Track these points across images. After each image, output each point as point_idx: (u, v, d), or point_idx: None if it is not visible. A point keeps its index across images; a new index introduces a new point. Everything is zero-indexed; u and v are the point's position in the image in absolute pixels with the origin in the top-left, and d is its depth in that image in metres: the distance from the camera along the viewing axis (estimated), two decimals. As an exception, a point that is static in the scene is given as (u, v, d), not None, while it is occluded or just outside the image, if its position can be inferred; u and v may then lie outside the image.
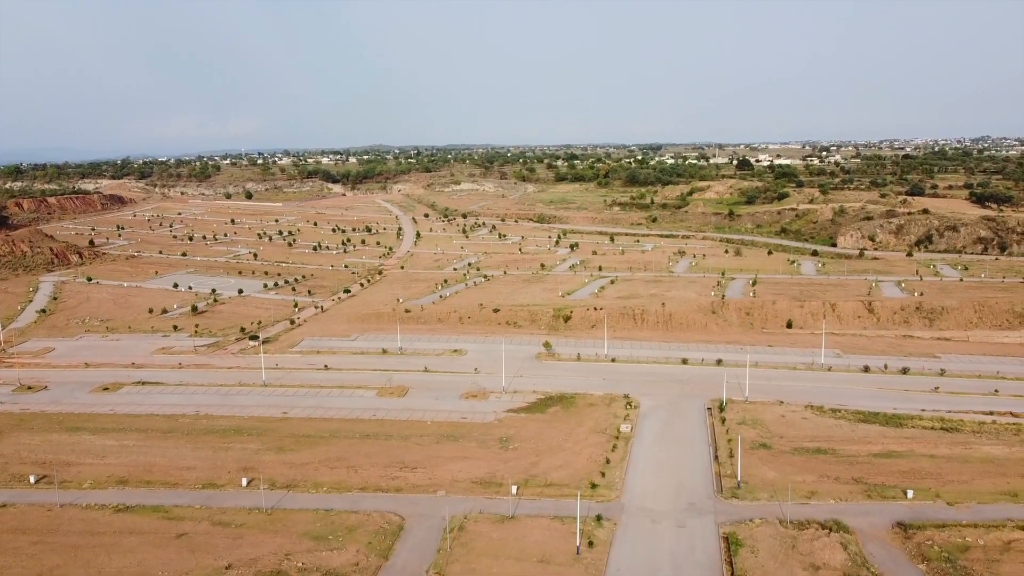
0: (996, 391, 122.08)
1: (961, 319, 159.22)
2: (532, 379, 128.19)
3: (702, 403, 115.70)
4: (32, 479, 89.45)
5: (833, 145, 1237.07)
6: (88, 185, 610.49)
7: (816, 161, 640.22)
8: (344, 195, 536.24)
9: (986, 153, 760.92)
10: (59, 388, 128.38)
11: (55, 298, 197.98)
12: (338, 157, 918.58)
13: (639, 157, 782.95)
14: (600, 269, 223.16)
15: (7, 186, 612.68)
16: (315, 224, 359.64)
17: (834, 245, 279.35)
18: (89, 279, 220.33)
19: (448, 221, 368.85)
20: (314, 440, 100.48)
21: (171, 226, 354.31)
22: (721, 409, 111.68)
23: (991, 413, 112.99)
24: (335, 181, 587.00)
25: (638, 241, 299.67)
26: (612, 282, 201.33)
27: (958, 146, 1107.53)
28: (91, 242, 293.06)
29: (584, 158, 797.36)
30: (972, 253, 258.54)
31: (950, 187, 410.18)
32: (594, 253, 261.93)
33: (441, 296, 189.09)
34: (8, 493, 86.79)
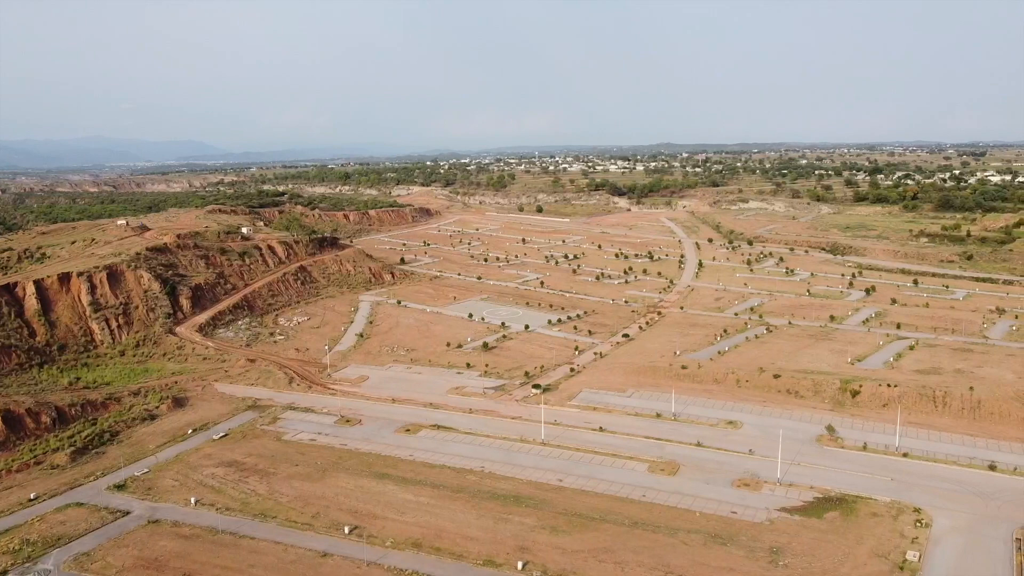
0: None
1: None
2: (810, 470, 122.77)
3: (1010, 531, 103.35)
4: (346, 530, 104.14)
5: None
6: (402, 190, 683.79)
7: None
8: (629, 210, 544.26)
9: None
10: (371, 424, 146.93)
11: (371, 322, 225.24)
12: (626, 166, 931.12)
13: (956, 170, 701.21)
14: (899, 327, 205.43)
15: (339, 190, 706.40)
16: (599, 247, 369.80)
17: None
18: (399, 302, 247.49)
19: (732, 249, 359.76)
20: (585, 522, 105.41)
21: (469, 244, 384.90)
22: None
23: None
24: (621, 194, 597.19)
25: (947, 287, 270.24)
26: (912, 347, 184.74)
27: None
28: (402, 259, 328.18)
29: (889, 170, 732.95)
30: None
31: None
32: (893, 302, 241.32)
33: (719, 352, 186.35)
34: (328, 541, 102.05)
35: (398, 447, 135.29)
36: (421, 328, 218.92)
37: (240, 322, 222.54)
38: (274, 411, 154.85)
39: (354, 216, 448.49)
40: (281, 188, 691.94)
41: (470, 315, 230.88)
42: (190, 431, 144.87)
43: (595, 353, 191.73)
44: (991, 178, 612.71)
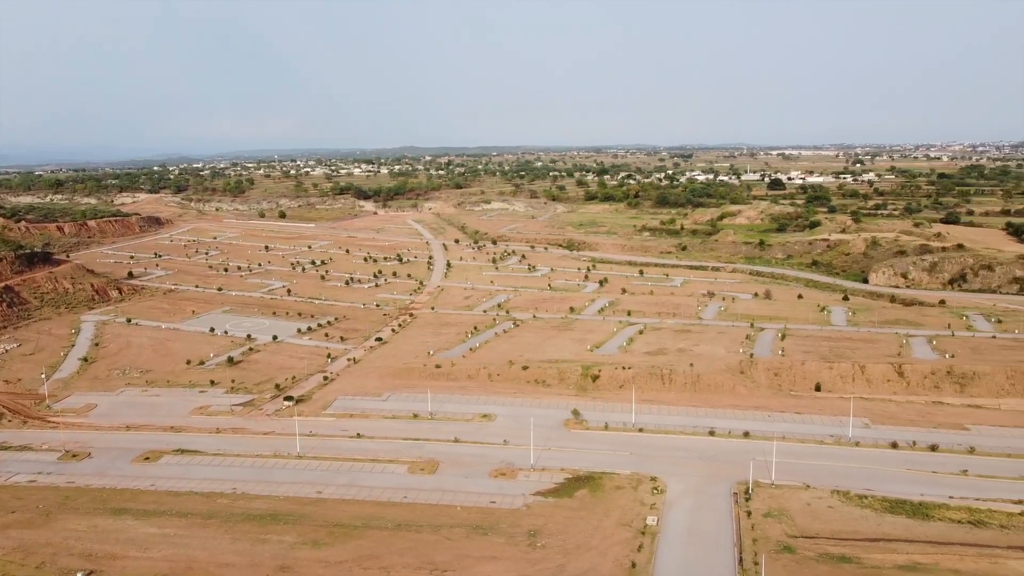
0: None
1: (993, 386, 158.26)
2: (560, 453, 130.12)
3: (729, 487, 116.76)
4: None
5: (867, 153, 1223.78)
6: (126, 198, 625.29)
7: (850, 179, 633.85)
8: (376, 213, 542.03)
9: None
10: (102, 456, 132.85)
11: (97, 344, 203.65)
12: (370, 169, 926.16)
13: (670, 171, 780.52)
14: (629, 314, 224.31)
15: (50, 199, 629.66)
16: (347, 251, 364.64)
17: (866, 281, 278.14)
18: (129, 320, 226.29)
19: (478, 248, 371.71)
20: (348, 531, 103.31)
21: (207, 253, 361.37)
22: (747, 496, 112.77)
23: (1020, 503, 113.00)
24: (367, 198, 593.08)
25: (667, 275, 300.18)
26: (641, 332, 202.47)
27: (997, 155, 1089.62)
28: (130, 273, 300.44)
29: (614, 171, 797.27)
30: (1007, 293, 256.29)
31: (986, 213, 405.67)
32: (623, 292, 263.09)
33: (471, 348, 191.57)
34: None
35: (137, 478, 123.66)
36: (157, 347, 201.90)
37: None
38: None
39: (70, 228, 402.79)
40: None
41: (212, 329, 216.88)
42: None
43: (348, 359, 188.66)
44: (698, 177, 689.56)
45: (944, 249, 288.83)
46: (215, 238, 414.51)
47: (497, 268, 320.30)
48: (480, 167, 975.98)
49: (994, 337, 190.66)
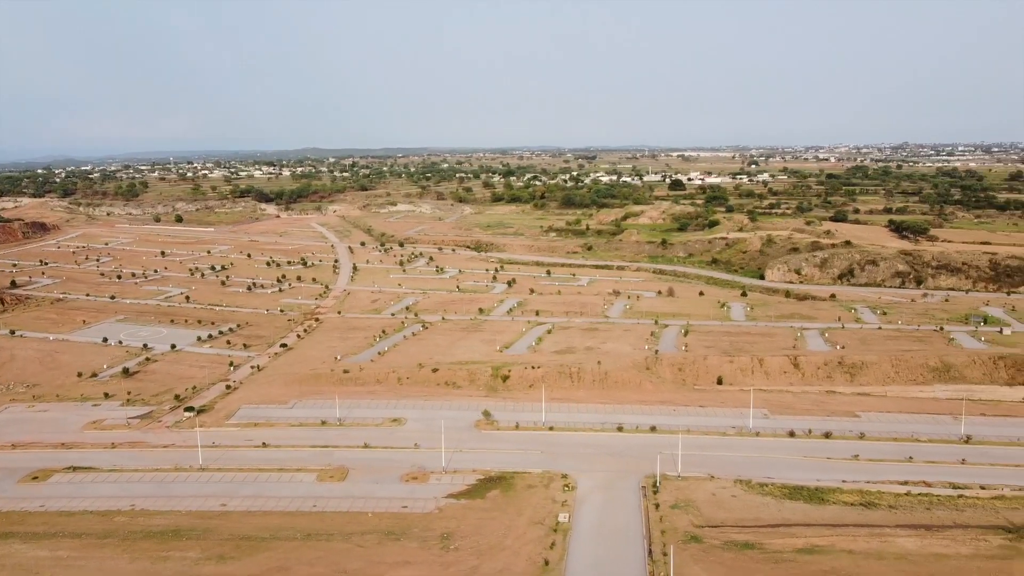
0: (911, 458, 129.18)
1: (880, 374, 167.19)
2: (472, 454, 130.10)
3: (637, 481, 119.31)
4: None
5: (761, 154, 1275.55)
6: (8, 203, 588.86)
7: (745, 179, 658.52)
8: (278, 216, 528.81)
9: (904, 169, 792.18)
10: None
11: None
12: (271, 171, 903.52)
13: (574, 172, 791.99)
14: (537, 314, 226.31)
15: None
16: (248, 256, 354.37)
17: (762, 278, 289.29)
18: (12, 332, 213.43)
19: (385, 251, 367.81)
20: (255, 544, 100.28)
21: (98, 260, 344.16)
22: (655, 490, 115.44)
23: (906, 483, 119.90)
24: (268, 201, 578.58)
25: (574, 275, 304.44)
26: (549, 331, 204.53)
27: (879, 156, 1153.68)
28: (12, 283, 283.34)
29: (520, 172, 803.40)
30: (891, 286, 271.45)
31: (871, 211, 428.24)
32: (532, 292, 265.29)
33: (380, 352, 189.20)
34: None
35: (24, 499, 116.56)
36: (44, 359, 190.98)
37: None
38: None
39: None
40: None
41: (105, 339, 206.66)
42: None
43: (252, 367, 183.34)
44: (602, 178, 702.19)
45: (833, 246, 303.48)
46: (107, 244, 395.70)
47: (405, 271, 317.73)
48: (386, 169, 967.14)
49: (880, 328, 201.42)
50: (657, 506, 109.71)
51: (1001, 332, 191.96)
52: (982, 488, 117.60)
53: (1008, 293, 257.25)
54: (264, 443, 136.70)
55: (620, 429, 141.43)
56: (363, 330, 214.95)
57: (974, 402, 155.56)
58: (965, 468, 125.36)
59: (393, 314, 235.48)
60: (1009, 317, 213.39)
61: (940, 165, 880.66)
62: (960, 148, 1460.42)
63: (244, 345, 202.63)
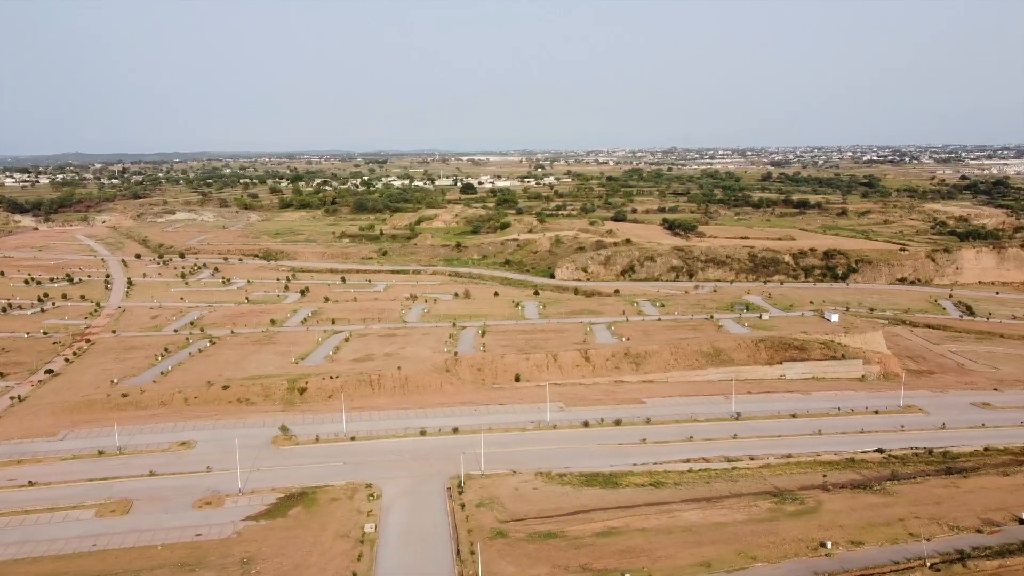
0: (691, 437, 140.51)
1: (661, 362, 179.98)
2: (271, 472, 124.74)
3: (442, 483, 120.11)
4: None
5: (547, 158, 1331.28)
6: None
7: (533, 183, 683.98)
8: (36, 229, 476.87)
9: (674, 171, 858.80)
10: None
11: None
12: (26, 178, 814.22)
13: (366, 176, 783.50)
14: (334, 323, 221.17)
15: None
16: (2, 273, 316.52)
17: (553, 276, 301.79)
18: None
19: (164, 263, 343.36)
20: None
21: None
22: (460, 490, 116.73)
23: (688, 461, 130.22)
24: (24, 211, 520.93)
25: (370, 281, 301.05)
26: (347, 340, 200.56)
27: (652, 160, 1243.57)
28: None
29: (309, 178, 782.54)
30: (667, 280, 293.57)
31: (647, 211, 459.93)
32: (326, 300, 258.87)
33: (163, 372, 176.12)
34: None
35: None
36: None
37: None
38: None
39: None
40: None
41: None
42: None
43: (12, 398, 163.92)
44: (394, 183, 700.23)
45: (616, 244, 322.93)
46: None
47: (187, 283, 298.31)
48: (161, 175, 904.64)
49: (659, 320, 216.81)
50: (463, 506, 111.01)
51: (761, 317, 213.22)
52: (751, 459, 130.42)
53: (765, 282, 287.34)
54: (30, 481, 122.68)
55: (423, 433, 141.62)
56: (143, 349, 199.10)
57: (741, 382, 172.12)
58: (737, 442, 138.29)
59: (176, 330, 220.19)
60: (767, 304, 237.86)
61: (704, 167, 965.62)
62: (720, 152, 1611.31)
63: (1, 374, 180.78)
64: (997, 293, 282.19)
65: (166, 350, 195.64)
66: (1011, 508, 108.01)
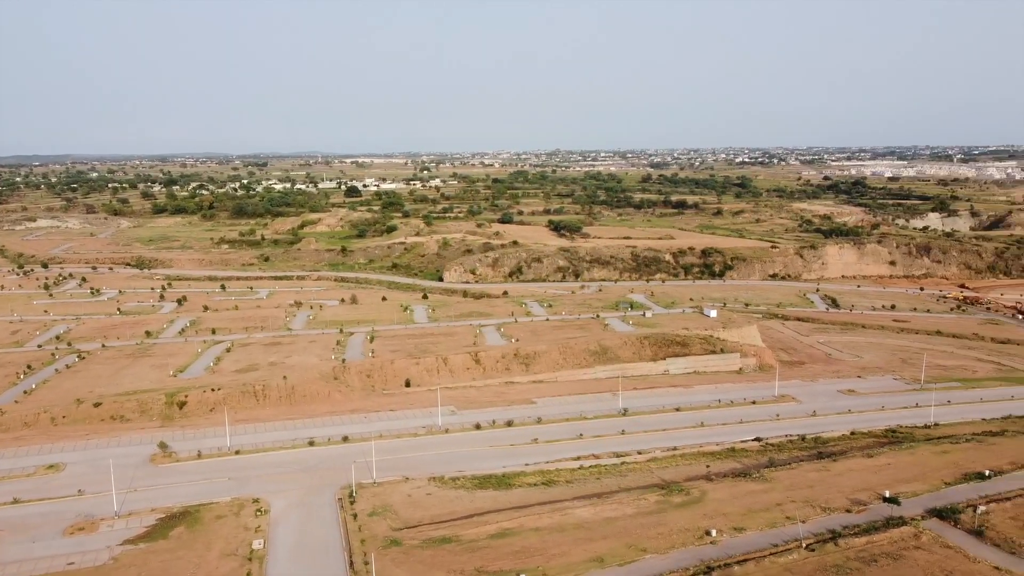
0: (581, 435, 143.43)
1: (550, 361, 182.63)
2: (149, 492, 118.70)
3: (333, 494, 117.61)
4: None
5: (432, 160, 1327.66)
6: None
7: (419, 185, 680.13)
8: None
9: (558, 173, 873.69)
10: None
11: None
12: None
13: (245, 180, 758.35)
14: (214, 332, 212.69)
15: None
16: None
17: (441, 279, 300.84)
18: None
19: (24, 274, 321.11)
20: None
21: None
22: (352, 500, 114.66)
23: (578, 458, 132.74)
24: None
25: (252, 288, 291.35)
26: (228, 350, 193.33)
27: (537, 162, 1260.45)
28: None
29: (184, 181, 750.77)
30: (554, 280, 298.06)
31: (533, 212, 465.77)
32: (205, 309, 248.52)
33: (25, 391, 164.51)
34: None
35: None
36: None
37: None
38: None
39: None
40: None
41: None
42: None
43: None
44: (275, 186, 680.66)
45: (503, 246, 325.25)
46: None
47: (51, 295, 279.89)
48: (19, 179, 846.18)
49: (547, 320, 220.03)
50: (355, 516, 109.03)
51: (644, 315, 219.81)
52: (639, 453, 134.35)
53: (647, 280, 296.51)
54: None
55: (312, 443, 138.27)
56: (2, 367, 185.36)
57: (627, 378, 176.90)
58: (625, 438, 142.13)
59: (40, 345, 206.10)
60: (649, 302, 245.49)
61: (587, 169, 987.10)
62: (603, 154, 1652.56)
63: None
64: (858, 286, 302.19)
65: (29, 367, 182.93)
66: (875, 487, 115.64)
